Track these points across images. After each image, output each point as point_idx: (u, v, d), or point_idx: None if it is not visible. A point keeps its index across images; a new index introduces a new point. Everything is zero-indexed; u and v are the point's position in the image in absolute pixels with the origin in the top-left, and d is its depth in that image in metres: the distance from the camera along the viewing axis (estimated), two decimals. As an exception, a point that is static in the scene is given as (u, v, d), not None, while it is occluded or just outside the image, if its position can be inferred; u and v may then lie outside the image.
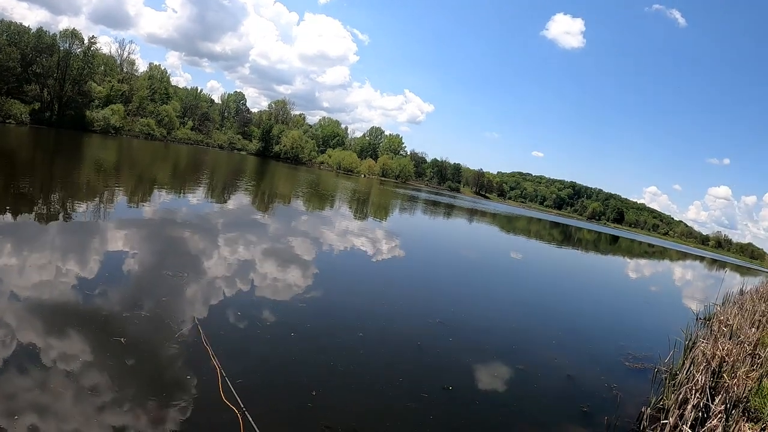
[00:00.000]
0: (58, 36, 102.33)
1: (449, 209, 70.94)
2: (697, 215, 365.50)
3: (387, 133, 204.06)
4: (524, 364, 10.53)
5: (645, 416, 8.53)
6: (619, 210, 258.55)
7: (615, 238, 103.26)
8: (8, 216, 15.18)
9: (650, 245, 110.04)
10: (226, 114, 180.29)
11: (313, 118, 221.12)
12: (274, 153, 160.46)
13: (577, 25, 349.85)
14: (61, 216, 16.54)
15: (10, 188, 20.31)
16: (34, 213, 16.28)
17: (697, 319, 19.45)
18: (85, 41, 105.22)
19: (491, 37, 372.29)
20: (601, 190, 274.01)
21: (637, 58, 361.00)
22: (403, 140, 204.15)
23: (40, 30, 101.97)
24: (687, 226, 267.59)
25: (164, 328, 8.58)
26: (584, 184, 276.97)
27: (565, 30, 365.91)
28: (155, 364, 7.41)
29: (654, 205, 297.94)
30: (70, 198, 20.25)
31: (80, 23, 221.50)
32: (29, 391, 6.13)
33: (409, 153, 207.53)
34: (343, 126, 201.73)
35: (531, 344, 12.39)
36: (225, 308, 10.25)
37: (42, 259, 11.31)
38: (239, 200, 32.04)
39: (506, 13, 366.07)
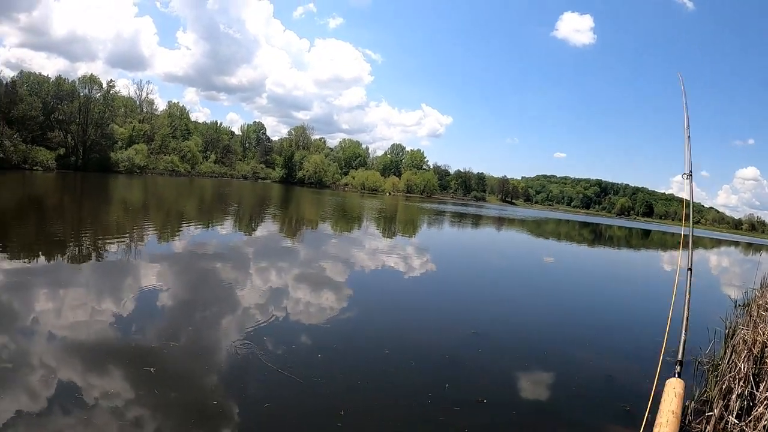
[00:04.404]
0: (77, 82, 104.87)
1: (476, 219, 70.74)
2: (727, 200, 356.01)
3: (408, 149, 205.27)
4: (560, 369, 10.35)
5: (690, 410, 8.36)
6: (647, 203, 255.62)
7: (647, 232, 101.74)
8: (42, 259, 15.45)
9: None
10: (247, 145, 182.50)
11: (333, 141, 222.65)
12: (297, 179, 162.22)
13: (586, 21, 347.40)
14: (93, 256, 16.74)
15: (43, 232, 20.73)
16: (67, 255, 16.50)
17: (735, 306, 19.07)
18: (104, 85, 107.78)
19: (502, 43, 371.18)
20: (628, 185, 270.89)
21: (649, 47, 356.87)
22: (424, 154, 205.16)
23: (59, 78, 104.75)
24: (718, 212, 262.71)
25: (194, 358, 8.61)
26: (610, 181, 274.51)
27: (575, 28, 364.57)
28: (186, 392, 7.42)
29: (682, 195, 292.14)
30: (101, 238, 20.52)
31: (98, 68, 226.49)
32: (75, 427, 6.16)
33: (432, 167, 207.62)
34: (363, 146, 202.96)
35: (565, 347, 12.16)
36: (254, 334, 10.25)
37: (78, 298, 11.45)
38: (267, 228, 32.23)
39: (514, 18, 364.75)
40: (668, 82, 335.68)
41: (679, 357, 1.43)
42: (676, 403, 1.23)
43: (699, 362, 11.26)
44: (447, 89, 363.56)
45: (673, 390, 1.24)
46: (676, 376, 1.40)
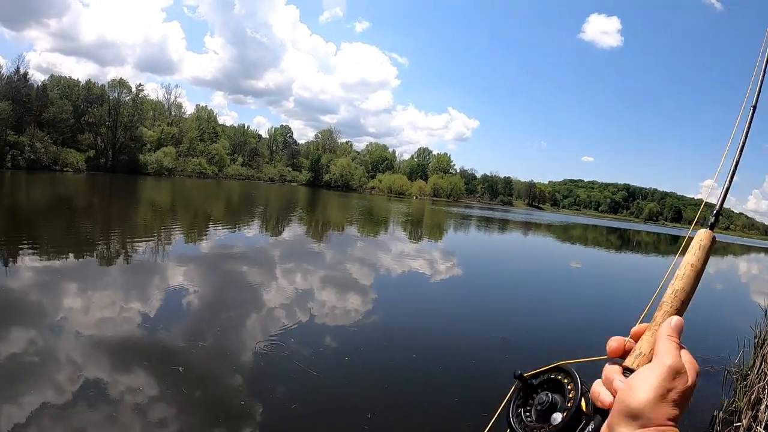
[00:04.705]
0: (107, 86, 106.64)
1: (503, 224, 70.31)
2: (757, 205, 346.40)
3: (435, 152, 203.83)
4: (588, 376, 10.26)
5: (717, 420, 8.26)
6: (676, 208, 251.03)
7: (675, 238, 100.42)
8: (72, 258, 15.78)
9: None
10: (274, 148, 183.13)
11: (360, 144, 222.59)
12: (324, 182, 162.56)
13: (613, 23, 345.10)
14: (122, 256, 16.97)
15: (73, 232, 21.15)
16: (96, 254, 16.76)
17: (766, 314, 18.75)
18: (133, 89, 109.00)
19: (529, 46, 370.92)
20: (656, 190, 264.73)
21: (678, 49, 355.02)
22: (451, 158, 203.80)
23: (89, 82, 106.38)
24: (748, 217, 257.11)
25: (221, 358, 8.67)
26: (638, 185, 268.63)
27: (602, 30, 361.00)
28: (213, 391, 7.48)
29: (712, 200, 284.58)
30: (129, 239, 20.81)
31: (127, 72, 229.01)
32: (100, 423, 6.24)
33: (458, 171, 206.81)
34: (390, 150, 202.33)
35: (593, 354, 12.05)
36: (281, 336, 10.28)
37: (107, 298, 11.60)
38: (294, 231, 32.35)
39: (541, 21, 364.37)
40: (695, 83, 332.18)
41: (718, 206, 1.29)
42: (699, 256, 1.15)
43: (728, 371, 11.10)
44: (473, 93, 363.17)
45: (699, 242, 1.16)
46: (709, 227, 1.30)
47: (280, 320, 11.44)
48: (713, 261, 55.82)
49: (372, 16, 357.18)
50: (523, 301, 17.68)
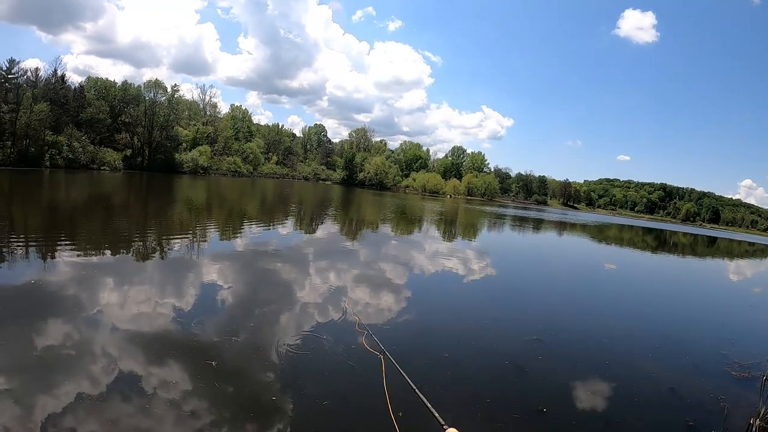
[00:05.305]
0: (143, 87, 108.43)
1: (538, 224, 69.74)
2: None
3: (469, 151, 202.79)
4: (622, 379, 10.09)
5: (754, 427, 8.10)
6: (714, 209, 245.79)
7: (713, 240, 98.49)
8: (109, 254, 15.97)
9: (750, 244, 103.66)
10: (308, 146, 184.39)
11: (394, 143, 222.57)
12: (358, 180, 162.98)
13: (648, 19, 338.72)
14: (158, 252, 17.27)
15: (110, 229, 21.57)
16: (133, 251, 17.07)
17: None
18: (168, 89, 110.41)
19: (563, 43, 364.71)
20: (694, 190, 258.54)
21: (714, 45, 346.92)
22: (485, 157, 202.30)
23: (125, 83, 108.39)
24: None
25: (254, 353, 8.77)
26: (675, 185, 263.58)
27: (637, 26, 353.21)
28: (245, 386, 7.56)
29: (750, 200, 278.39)
30: (166, 236, 21.21)
31: (162, 73, 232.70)
32: (133, 416, 6.33)
33: (492, 170, 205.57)
34: (424, 148, 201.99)
35: (627, 357, 11.86)
36: (314, 332, 10.32)
37: (142, 292, 11.89)
38: (328, 229, 32.53)
39: (575, 17, 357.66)
40: (732, 80, 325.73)
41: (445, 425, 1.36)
42: None
43: (766, 377, 10.87)
44: (508, 91, 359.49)
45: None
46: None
47: (312, 317, 11.55)
48: (752, 263, 54.83)
49: (404, 14, 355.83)
50: (559, 302, 17.52)
